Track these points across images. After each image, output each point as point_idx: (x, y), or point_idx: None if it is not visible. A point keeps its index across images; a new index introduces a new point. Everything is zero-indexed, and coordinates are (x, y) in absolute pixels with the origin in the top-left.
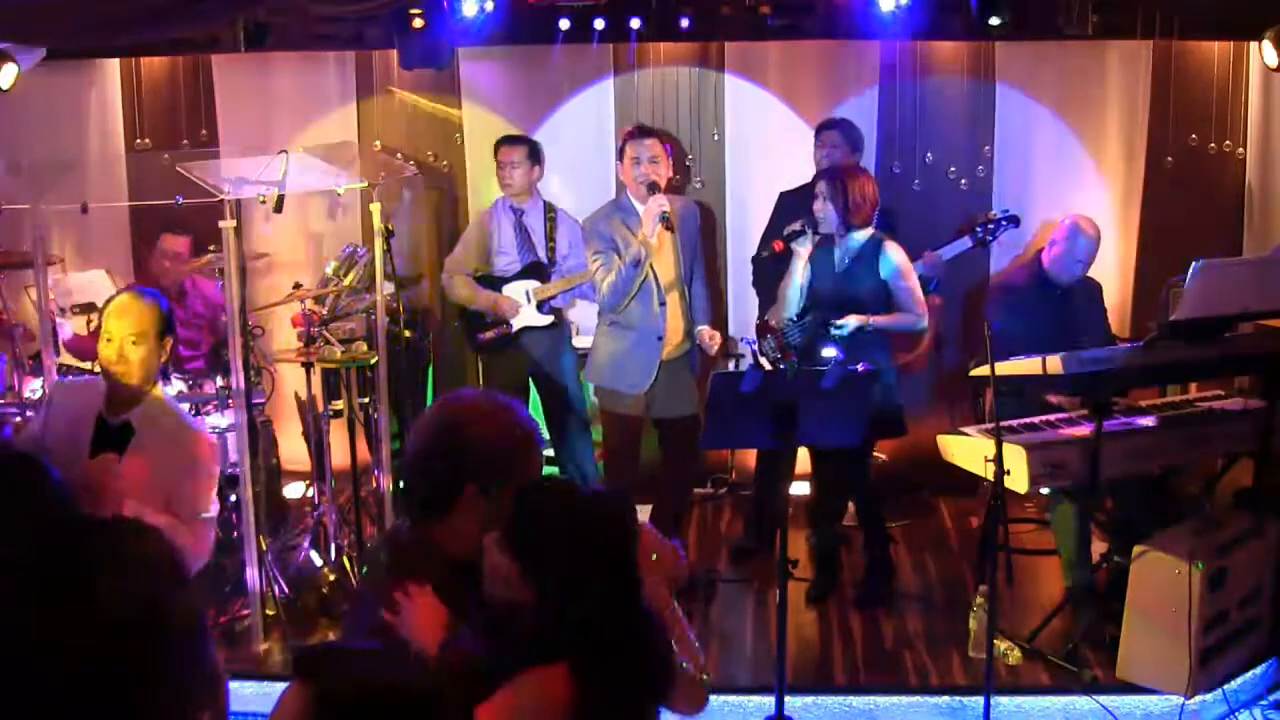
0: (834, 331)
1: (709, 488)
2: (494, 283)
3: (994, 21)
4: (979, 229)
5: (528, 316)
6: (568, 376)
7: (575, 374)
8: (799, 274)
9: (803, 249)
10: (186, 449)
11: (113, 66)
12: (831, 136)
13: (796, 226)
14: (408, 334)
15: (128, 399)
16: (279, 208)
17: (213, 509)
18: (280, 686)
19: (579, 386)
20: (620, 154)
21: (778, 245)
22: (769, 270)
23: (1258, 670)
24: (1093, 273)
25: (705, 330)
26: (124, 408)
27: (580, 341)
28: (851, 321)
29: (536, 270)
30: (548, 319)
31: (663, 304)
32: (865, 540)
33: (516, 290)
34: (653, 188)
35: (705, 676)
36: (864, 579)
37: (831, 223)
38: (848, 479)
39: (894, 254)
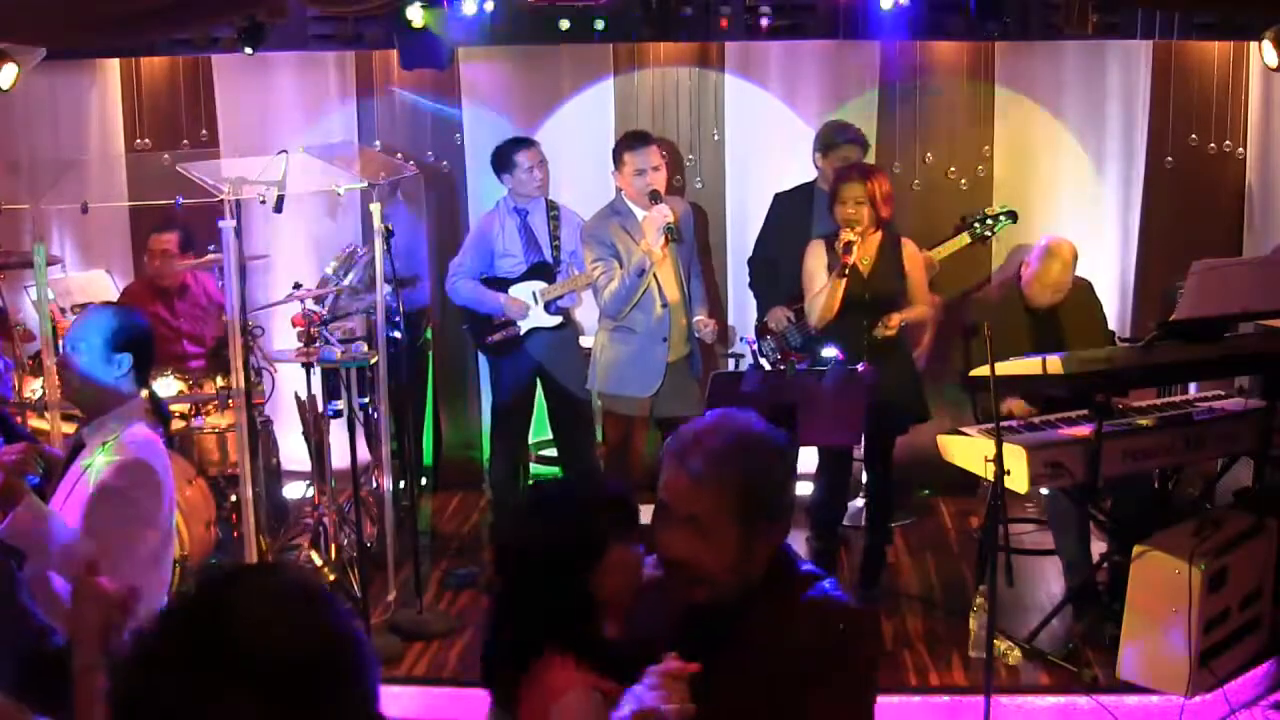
0: (885, 332)
1: None
2: (500, 284)
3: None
4: (975, 224)
5: (536, 317)
6: (575, 377)
7: (582, 374)
8: (839, 280)
9: (853, 256)
10: (107, 472)
11: (113, 66)
12: (853, 151)
13: (852, 235)
14: (397, 336)
15: (95, 408)
16: (279, 208)
17: (143, 547)
18: None
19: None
20: (617, 162)
21: (846, 258)
22: (764, 273)
23: (1258, 670)
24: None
25: (701, 318)
26: (89, 418)
27: (586, 342)
28: (896, 319)
29: (542, 270)
30: (556, 319)
31: (665, 306)
32: (869, 525)
33: (523, 291)
34: (655, 196)
35: None
36: (860, 565)
37: (866, 224)
38: (879, 462)
39: (910, 248)
